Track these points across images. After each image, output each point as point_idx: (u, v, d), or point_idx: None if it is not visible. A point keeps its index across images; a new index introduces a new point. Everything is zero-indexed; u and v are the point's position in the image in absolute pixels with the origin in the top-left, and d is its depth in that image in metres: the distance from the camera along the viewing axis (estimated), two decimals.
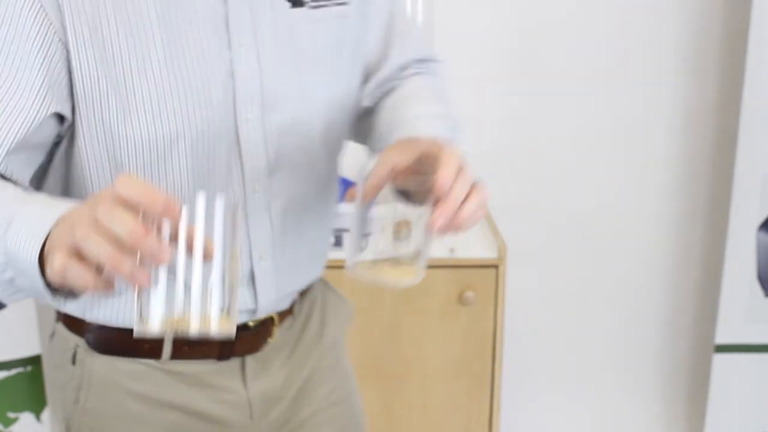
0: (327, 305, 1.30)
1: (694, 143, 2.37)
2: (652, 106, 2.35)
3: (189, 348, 1.07)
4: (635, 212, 2.43)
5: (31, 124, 0.91)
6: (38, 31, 0.90)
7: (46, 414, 2.14)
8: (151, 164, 0.97)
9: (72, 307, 1.05)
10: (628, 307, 2.50)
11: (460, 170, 0.91)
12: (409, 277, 0.94)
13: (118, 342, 1.06)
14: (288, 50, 1.03)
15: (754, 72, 2.02)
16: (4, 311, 2.01)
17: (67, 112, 0.95)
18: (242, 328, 1.10)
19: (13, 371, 2.06)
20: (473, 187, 0.92)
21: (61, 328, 1.10)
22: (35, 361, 2.09)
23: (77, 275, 0.72)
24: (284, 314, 1.18)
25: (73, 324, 1.08)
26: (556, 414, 2.57)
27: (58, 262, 0.73)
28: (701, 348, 2.48)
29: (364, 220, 0.95)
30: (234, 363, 1.11)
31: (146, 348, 1.06)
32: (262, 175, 1.05)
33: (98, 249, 0.70)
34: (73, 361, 1.08)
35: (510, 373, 2.22)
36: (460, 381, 2.00)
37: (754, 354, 2.21)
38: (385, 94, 1.19)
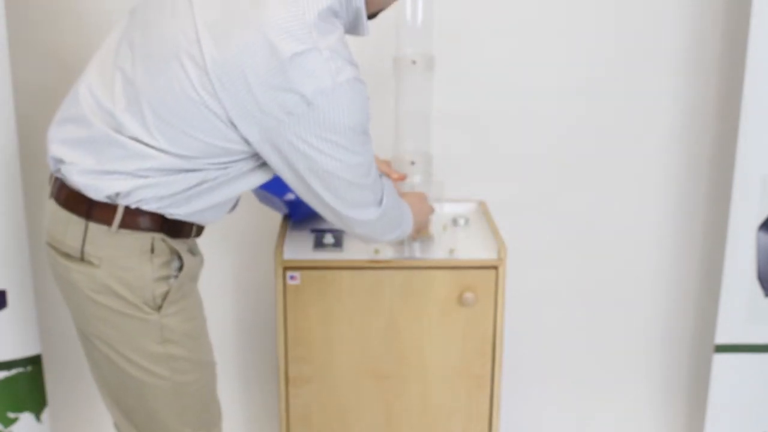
0: None
1: (694, 143, 2.37)
2: (652, 106, 2.35)
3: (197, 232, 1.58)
4: (635, 212, 2.43)
5: None
6: None
7: (46, 414, 2.15)
8: None
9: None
10: (628, 307, 2.51)
11: None
12: None
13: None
14: None
15: (754, 72, 2.02)
16: (4, 311, 2.01)
17: None
18: None
19: (13, 371, 2.06)
20: None
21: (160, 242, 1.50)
22: (35, 361, 2.10)
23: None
24: None
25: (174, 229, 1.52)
26: (556, 414, 2.57)
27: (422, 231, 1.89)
28: (701, 348, 2.48)
29: None
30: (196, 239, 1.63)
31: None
32: None
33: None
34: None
35: (510, 373, 2.22)
36: (459, 381, 2.00)
37: (754, 354, 2.21)
38: None
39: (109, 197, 1.44)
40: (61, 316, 2.44)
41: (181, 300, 1.54)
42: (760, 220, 2.12)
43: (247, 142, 1.41)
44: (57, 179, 1.51)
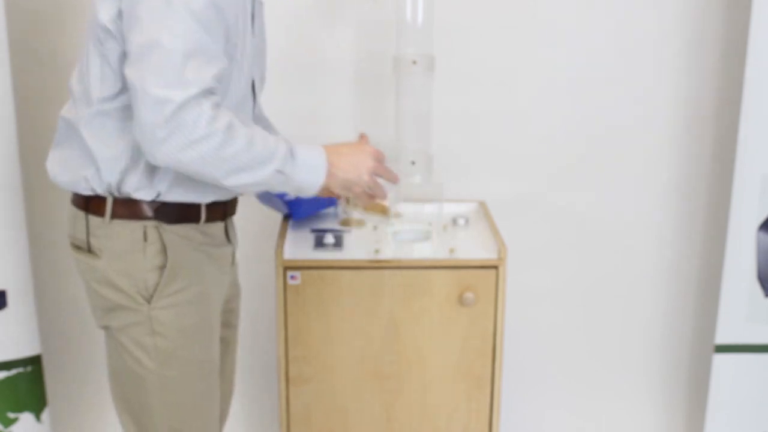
0: None
1: (694, 143, 2.37)
2: (652, 106, 2.35)
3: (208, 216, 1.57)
4: (635, 212, 2.43)
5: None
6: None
7: (46, 414, 2.15)
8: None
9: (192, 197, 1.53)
10: (628, 307, 2.51)
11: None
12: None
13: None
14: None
15: (754, 72, 2.02)
16: (4, 311, 2.01)
17: None
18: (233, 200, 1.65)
19: (13, 371, 2.06)
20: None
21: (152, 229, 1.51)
22: (35, 361, 2.10)
23: (363, 198, 1.57)
24: None
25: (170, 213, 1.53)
26: (556, 414, 2.57)
27: (358, 191, 1.55)
28: (701, 348, 2.48)
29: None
30: (221, 224, 1.63)
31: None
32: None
33: (376, 191, 1.57)
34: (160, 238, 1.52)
35: (510, 373, 2.22)
36: (460, 381, 2.00)
37: (754, 354, 2.21)
38: None
39: (92, 189, 1.49)
40: (61, 316, 2.44)
41: (176, 294, 1.53)
42: (760, 220, 2.12)
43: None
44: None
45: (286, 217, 2.12)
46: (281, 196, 2.03)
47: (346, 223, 2.13)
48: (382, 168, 1.57)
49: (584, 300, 2.49)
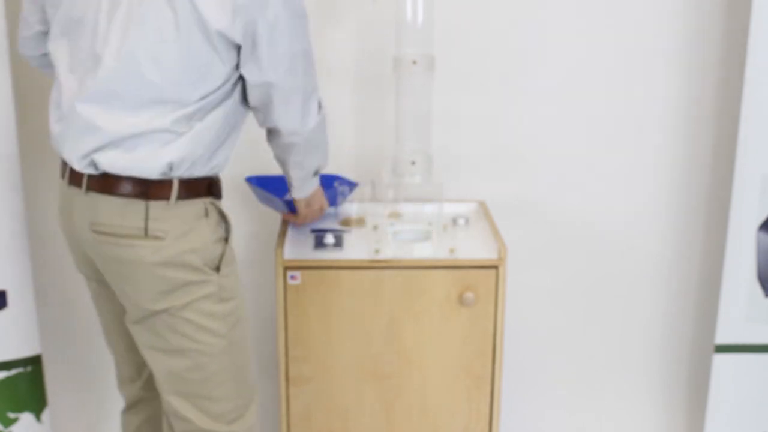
0: None
1: (694, 143, 2.37)
2: (652, 106, 2.35)
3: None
4: (635, 212, 2.43)
5: None
6: None
7: (46, 414, 2.15)
8: None
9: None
10: (628, 308, 2.51)
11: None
12: None
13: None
14: None
15: (754, 72, 2.02)
16: (4, 311, 2.01)
17: None
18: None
19: (13, 371, 2.06)
20: None
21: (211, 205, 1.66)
22: (35, 361, 2.10)
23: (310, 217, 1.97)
24: None
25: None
26: (556, 414, 2.57)
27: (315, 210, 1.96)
28: (701, 348, 2.48)
29: None
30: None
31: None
32: None
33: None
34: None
35: (510, 373, 2.22)
36: (460, 381, 2.01)
37: (754, 354, 2.21)
38: None
39: (163, 173, 1.56)
40: (61, 316, 2.44)
41: (232, 261, 1.70)
42: (760, 220, 2.12)
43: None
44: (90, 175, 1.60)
45: (285, 222, 2.11)
46: (281, 196, 2.03)
47: (346, 223, 2.13)
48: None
49: (584, 300, 2.49)
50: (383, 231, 2.05)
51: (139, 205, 1.57)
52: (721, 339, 2.20)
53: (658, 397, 2.58)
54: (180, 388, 1.68)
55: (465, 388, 2.01)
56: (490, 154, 2.36)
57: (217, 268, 1.64)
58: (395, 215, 2.15)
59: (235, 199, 2.19)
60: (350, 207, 2.19)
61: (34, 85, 2.19)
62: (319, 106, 1.72)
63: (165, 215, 1.58)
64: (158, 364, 1.68)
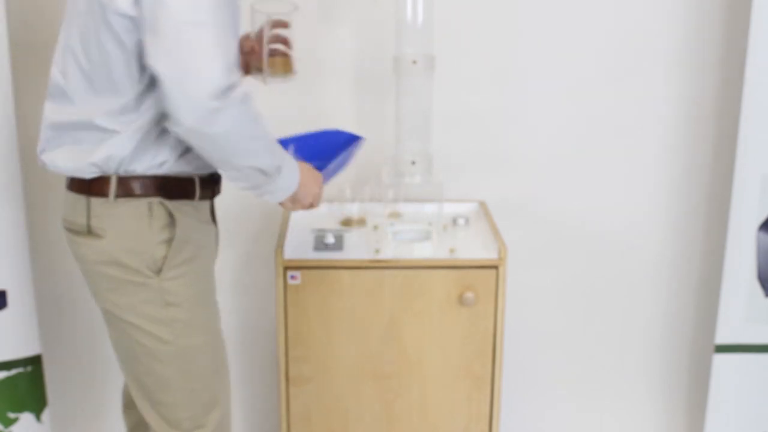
0: None
1: (694, 143, 2.37)
2: (652, 106, 2.35)
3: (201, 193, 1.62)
4: (635, 212, 2.43)
5: None
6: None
7: (46, 414, 2.15)
8: None
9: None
10: (628, 307, 2.51)
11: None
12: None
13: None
14: None
15: (754, 72, 2.02)
16: (4, 311, 2.01)
17: None
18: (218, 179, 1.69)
19: (13, 371, 2.06)
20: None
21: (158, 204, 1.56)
22: (35, 361, 2.10)
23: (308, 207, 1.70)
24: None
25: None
26: (556, 414, 2.57)
27: (306, 205, 1.68)
28: (701, 348, 2.48)
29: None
30: (209, 203, 1.69)
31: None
32: None
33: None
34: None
35: (510, 373, 2.22)
36: (460, 381, 2.01)
37: (754, 354, 2.21)
38: None
39: (93, 172, 1.52)
40: (61, 316, 2.44)
41: (184, 265, 1.59)
42: (760, 220, 2.12)
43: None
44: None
45: (285, 222, 2.10)
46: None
47: (346, 223, 2.13)
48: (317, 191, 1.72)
49: (584, 300, 2.49)
50: (383, 231, 2.05)
51: (82, 201, 1.56)
52: (721, 339, 2.20)
53: (658, 397, 2.58)
54: (141, 392, 1.66)
55: (465, 388, 2.01)
56: (490, 154, 2.36)
57: (159, 271, 1.56)
58: (395, 215, 2.15)
59: (236, 198, 2.19)
60: (350, 207, 2.19)
61: (34, 84, 2.19)
62: (223, 95, 1.39)
63: (105, 213, 1.55)
64: (122, 367, 1.67)
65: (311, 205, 1.70)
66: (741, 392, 2.24)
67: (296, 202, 1.67)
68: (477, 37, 2.28)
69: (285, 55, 1.73)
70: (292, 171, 1.60)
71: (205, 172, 1.61)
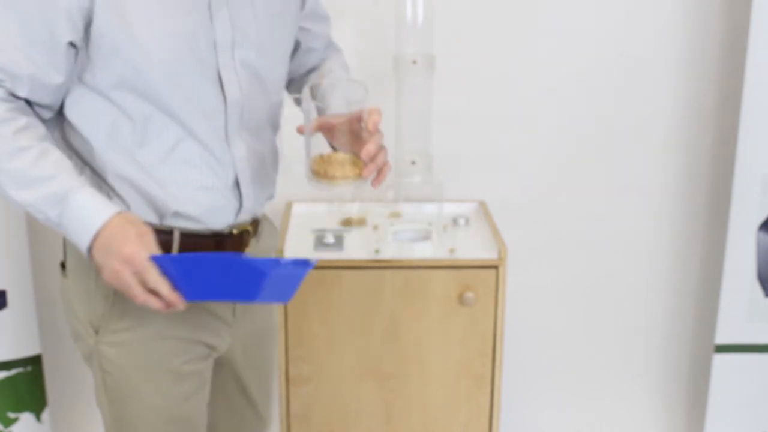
0: (266, 228, 1.54)
1: (694, 143, 2.37)
2: (652, 106, 2.35)
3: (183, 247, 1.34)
4: (635, 212, 2.43)
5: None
6: None
7: (46, 414, 2.15)
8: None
9: None
10: (628, 307, 2.51)
11: (380, 147, 1.32)
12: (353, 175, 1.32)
13: None
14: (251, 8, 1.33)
15: (754, 72, 2.02)
16: (4, 311, 2.01)
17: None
18: (228, 235, 1.37)
19: (13, 371, 2.06)
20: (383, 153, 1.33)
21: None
22: (35, 361, 2.10)
23: (142, 299, 1.20)
24: (255, 226, 1.45)
25: None
26: (556, 414, 2.57)
27: (134, 293, 1.20)
28: (701, 348, 2.48)
29: (309, 144, 1.35)
30: None
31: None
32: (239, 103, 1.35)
33: (155, 303, 1.21)
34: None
35: (510, 373, 2.22)
36: (460, 381, 2.01)
37: (754, 354, 2.21)
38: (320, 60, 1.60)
39: None
40: (61, 316, 2.44)
41: (123, 332, 1.33)
42: (760, 220, 2.12)
43: None
44: None
45: (285, 222, 2.10)
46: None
47: (346, 223, 2.13)
48: (141, 277, 1.20)
49: (584, 300, 2.49)
50: (383, 231, 2.05)
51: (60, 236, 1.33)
52: (721, 339, 2.20)
53: (658, 397, 2.58)
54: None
55: (465, 388, 2.01)
56: (490, 154, 2.36)
57: (98, 329, 1.33)
58: (395, 215, 2.15)
59: None
60: (350, 207, 2.19)
61: None
62: None
63: (69, 249, 1.36)
64: None
65: (120, 276, 1.19)
66: (741, 392, 2.24)
67: (104, 257, 1.22)
68: (477, 37, 2.28)
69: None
70: (84, 215, 1.22)
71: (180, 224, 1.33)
